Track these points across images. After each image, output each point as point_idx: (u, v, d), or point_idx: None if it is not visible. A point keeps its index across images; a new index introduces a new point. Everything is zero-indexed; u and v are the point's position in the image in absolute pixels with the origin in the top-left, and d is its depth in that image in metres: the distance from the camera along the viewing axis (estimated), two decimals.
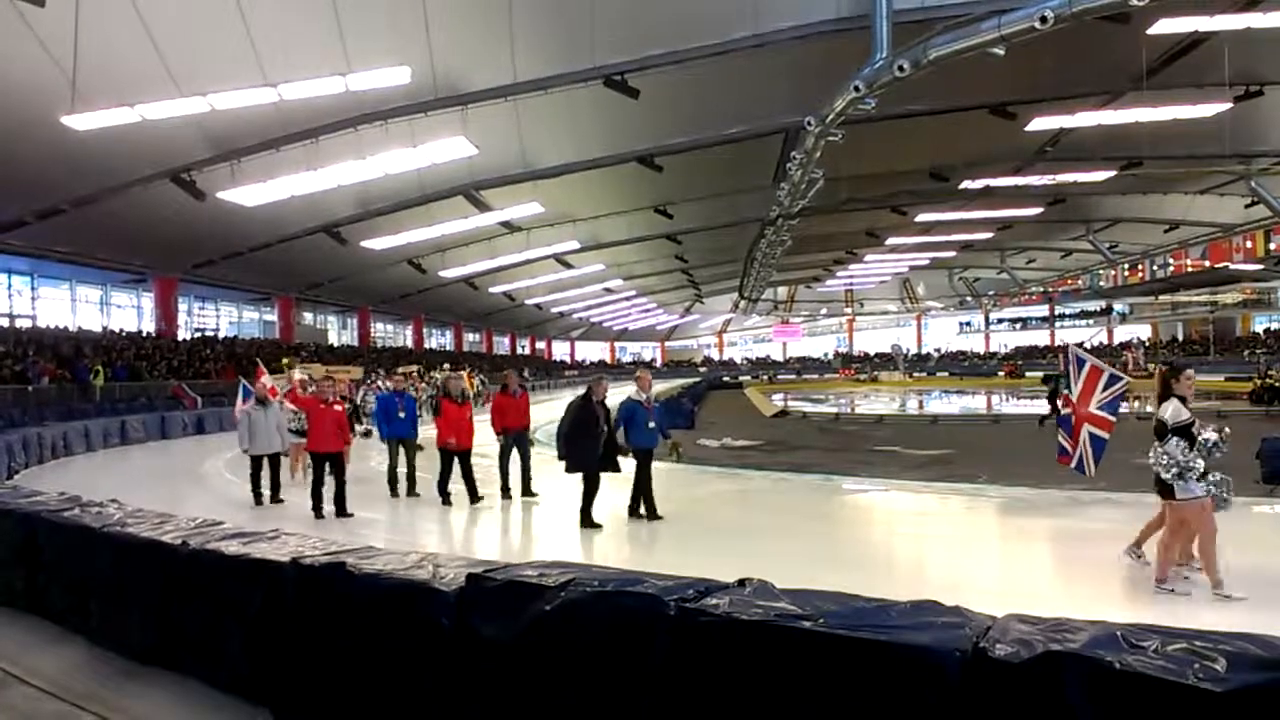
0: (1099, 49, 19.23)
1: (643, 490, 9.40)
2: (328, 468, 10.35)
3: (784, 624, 2.69)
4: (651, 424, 9.45)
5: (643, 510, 9.40)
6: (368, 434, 18.37)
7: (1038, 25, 13.05)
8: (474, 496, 10.80)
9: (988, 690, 2.33)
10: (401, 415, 11.91)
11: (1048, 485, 11.49)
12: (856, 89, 16.02)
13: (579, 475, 9.20)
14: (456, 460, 10.86)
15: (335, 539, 5.02)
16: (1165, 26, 17.77)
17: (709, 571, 3.45)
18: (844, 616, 2.70)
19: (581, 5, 17.60)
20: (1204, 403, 28.54)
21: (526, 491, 11.19)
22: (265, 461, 11.52)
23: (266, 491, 11.49)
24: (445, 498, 10.82)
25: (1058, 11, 12.81)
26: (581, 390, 9.72)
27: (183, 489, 13.83)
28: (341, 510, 10.15)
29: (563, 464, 9.29)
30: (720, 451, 18.69)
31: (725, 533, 8.61)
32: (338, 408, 10.56)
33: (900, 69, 14.99)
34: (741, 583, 3.15)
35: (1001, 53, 14.08)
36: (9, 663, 5.03)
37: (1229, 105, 22.09)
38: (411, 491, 11.57)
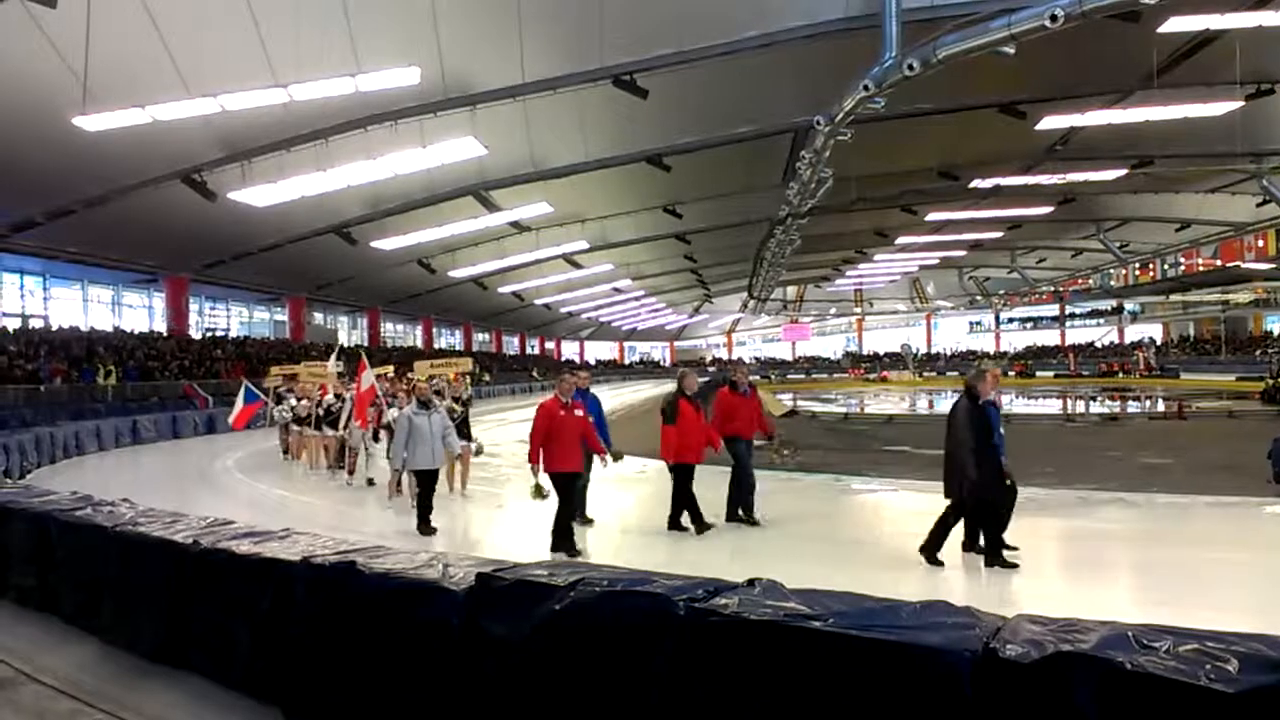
0: (1109, 48, 19.15)
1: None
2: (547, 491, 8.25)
3: (793, 624, 2.69)
4: (1003, 430, 7.49)
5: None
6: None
7: (1047, 24, 12.97)
8: (700, 523, 8.71)
9: (998, 691, 2.32)
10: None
11: (1058, 485, 11.46)
12: (866, 88, 15.96)
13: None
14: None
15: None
16: (1176, 25, 17.66)
17: (718, 571, 3.45)
18: (854, 617, 2.69)
19: (590, 5, 17.59)
20: (1215, 402, 28.42)
21: (748, 516, 9.08)
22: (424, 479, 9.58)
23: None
24: (678, 523, 8.80)
25: (1067, 10, 12.73)
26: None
27: (194, 489, 13.90)
28: (560, 543, 8.03)
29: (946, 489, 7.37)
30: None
31: (734, 532, 8.59)
32: (579, 413, 8.33)
33: (910, 68, 14.93)
34: (751, 583, 3.15)
35: (1011, 51, 14.00)
36: (21, 661, 5.06)
37: (1240, 104, 21.94)
38: (583, 517, 9.30)
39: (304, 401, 15.96)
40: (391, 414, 12.00)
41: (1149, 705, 2.10)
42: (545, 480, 8.12)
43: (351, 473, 13.59)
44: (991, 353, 76.31)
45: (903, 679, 2.45)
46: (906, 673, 2.45)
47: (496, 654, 3.32)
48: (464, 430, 11.64)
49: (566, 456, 7.98)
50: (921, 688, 2.41)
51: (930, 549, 7.20)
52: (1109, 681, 2.16)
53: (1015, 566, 6.93)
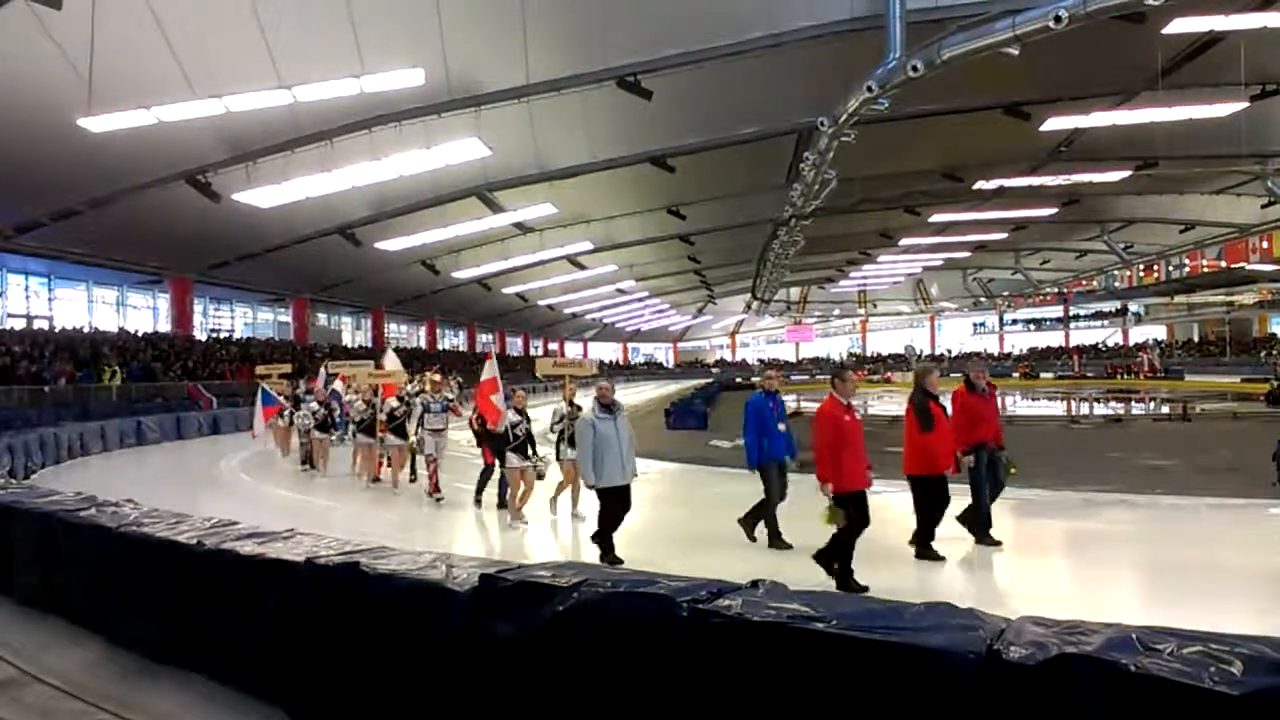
0: (1114, 48, 19.12)
1: None
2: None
3: (797, 625, 2.69)
4: None
5: None
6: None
7: (1052, 25, 12.98)
8: (925, 544, 7.59)
9: (1002, 693, 2.32)
10: (781, 428, 8.42)
11: (1062, 487, 11.43)
12: (870, 89, 15.96)
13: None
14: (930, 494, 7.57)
15: None
16: (1180, 26, 17.65)
17: (721, 573, 3.45)
18: (857, 618, 2.69)
19: (594, 6, 17.62)
20: (1220, 404, 28.35)
21: (984, 538, 7.91)
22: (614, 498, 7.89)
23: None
24: (929, 549, 7.56)
25: (1072, 11, 12.73)
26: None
27: (198, 489, 13.90)
28: (845, 579, 6.61)
29: None
30: (733, 452, 18.62)
31: (738, 534, 8.57)
32: (848, 418, 7.08)
33: (914, 69, 14.93)
34: (754, 584, 3.16)
35: (1015, 52, 14.00)
36: (27, 662, 5.07)
37: (1245, 105, 21.90)
38: (778, 540, 8.25)
39: (359, 404, 14.28)
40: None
41: (1153, 707, 2.10)
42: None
43: (436, 489, 11.90)
44: (995, 354, 76.19)
45: (906, 681, 2.45)
46: (910, 675, 2.45)
47: (500, 654, 3.33)
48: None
49: (856, 470, 6.83)
50: (925, 690, 2.41)
51: None
52: (1113, 683, 2.16)
53: None
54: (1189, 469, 14.00)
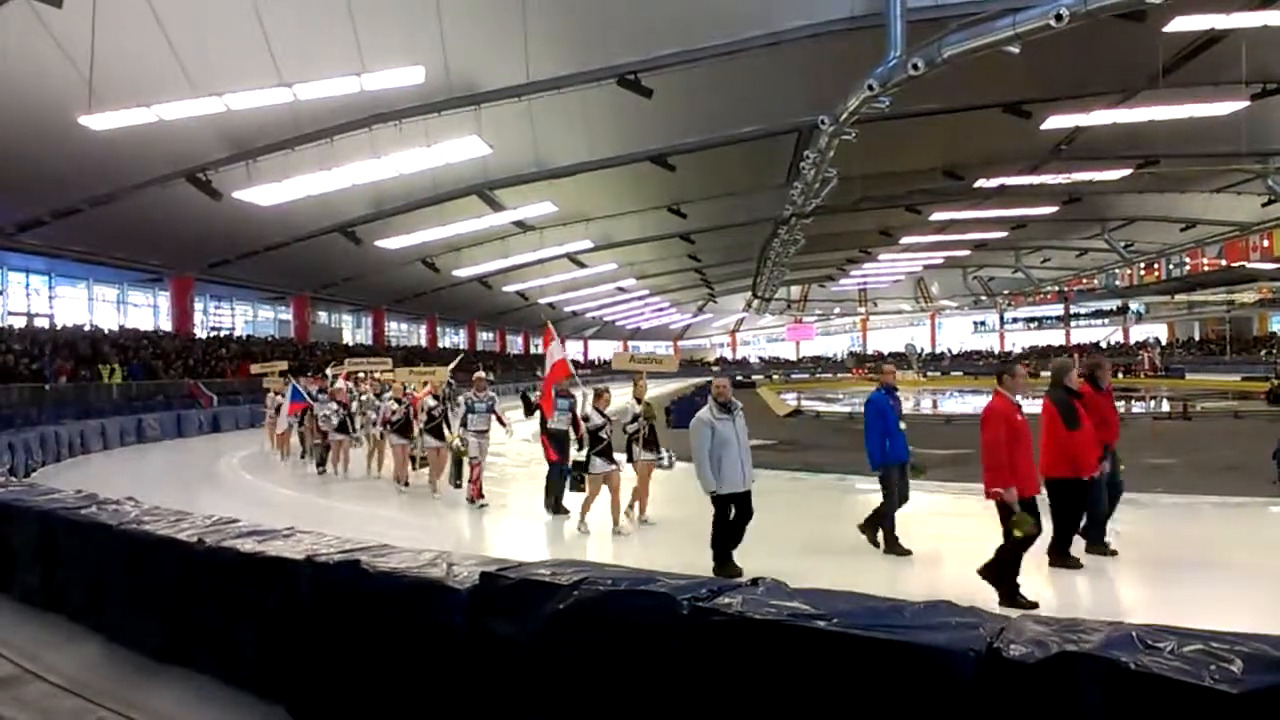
0: (1114, 47, 19.11)
1: None
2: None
3: (797, 623, 2.69)
4: None
5: None
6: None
7: (1052, 23, 12.98)
8: (1065, 553, 7.03)
9: (1002, 691, 2.32)
10: (903, 426, 8.01)
11: None
12: (870, 88, 15.97)
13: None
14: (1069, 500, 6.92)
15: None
16: (1181, 24, 17.63)
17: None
18: (858, 616, 2.69)
19: (594, 4, 17.62)
20: (1220, 403, 28.32)
21: (1097, 545, 7.42)
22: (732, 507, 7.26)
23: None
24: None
25: (1072, 9, 12.74)
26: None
27: (199, 487, 13.92)
28: (1013, 595, 5.92)
29: None
30: None
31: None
32: (1019, 417, 6.28)
33: (914, 67, 14.94)
34: (755, 582, 3.15)
35: (1016, 51, 14.02)
36: (27, 660, 5.07)
37: (1246, 103, 21.88)
38: (895, 545, 7.82)
39: (391, 404, 13.58)
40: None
41: (1153, 705, 2.10)
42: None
43: (479, 494, 11.35)
44: (995, 353, 76.19)
45: (906, 679, 2.45)
46: (910, 673, 2.45)
47: (501, 652, 3.32)
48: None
49: (1030, 474, 6.17)
50: (925, 688, 2.41)
51: None
52: (1113, 681, 2.16)
53: None
54: (1189, 468, 14.01)
